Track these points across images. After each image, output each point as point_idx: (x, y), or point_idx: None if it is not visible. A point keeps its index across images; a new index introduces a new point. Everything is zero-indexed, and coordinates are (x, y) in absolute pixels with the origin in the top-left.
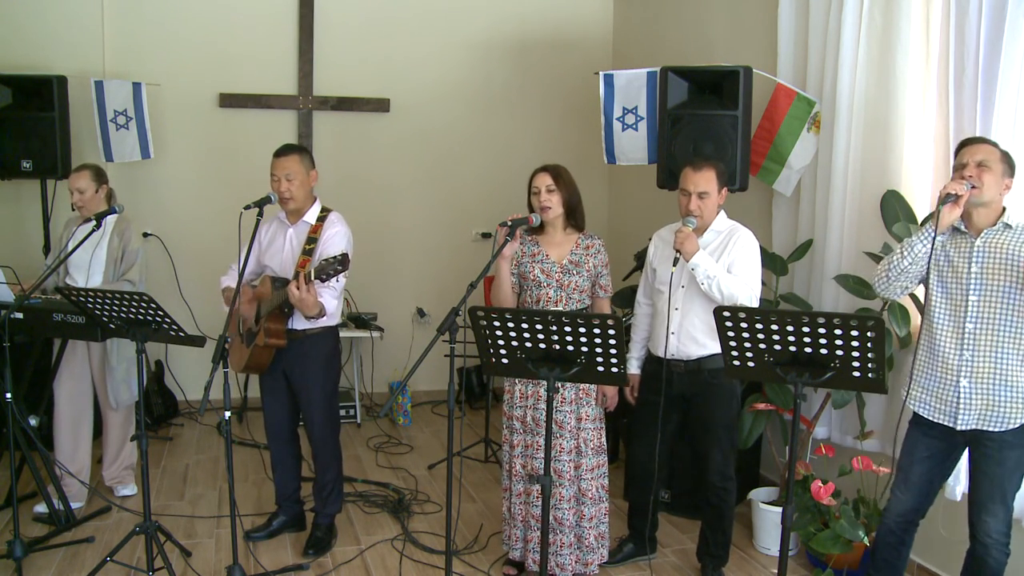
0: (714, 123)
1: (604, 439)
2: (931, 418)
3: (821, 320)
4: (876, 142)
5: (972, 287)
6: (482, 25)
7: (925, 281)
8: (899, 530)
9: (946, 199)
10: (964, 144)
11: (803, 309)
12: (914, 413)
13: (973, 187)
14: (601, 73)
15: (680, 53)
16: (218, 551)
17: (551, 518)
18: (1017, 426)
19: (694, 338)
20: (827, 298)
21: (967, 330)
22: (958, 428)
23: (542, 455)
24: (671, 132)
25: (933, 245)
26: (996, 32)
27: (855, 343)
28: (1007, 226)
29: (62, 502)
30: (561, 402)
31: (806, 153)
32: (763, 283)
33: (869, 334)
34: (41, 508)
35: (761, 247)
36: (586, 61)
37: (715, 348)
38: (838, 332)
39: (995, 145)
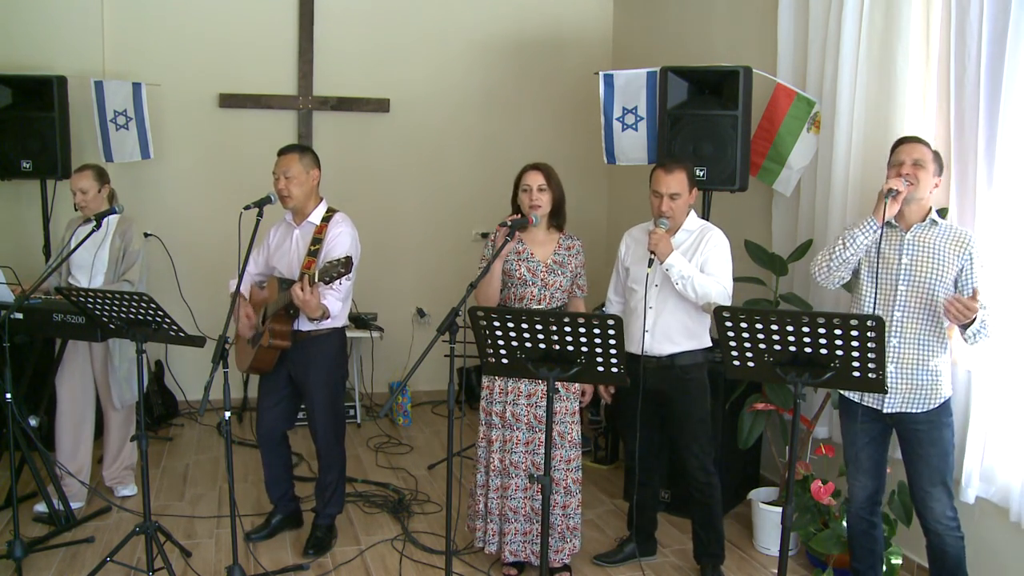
0: (714, 123)
1: (579, 434)
2: (860, 401)
3: (821, 320)
4: (876, 142)
5: (901, 278)
6: (482, 25)
7: (856, 274)
8: (867, 514)
9: (889, 193)
10: (900, 143)
11: (803, 309)
12: (842, 400)
13: (910, 184)
14: (601, 73)
15: (680, 53)
16: (218, 551)
17: (528, 508)
18: (938, 405)
19: (668, 336)
20: (827, 298)
21: (895, 318)
22: (885, 411)
23: (520, 450)
24: (671, 132)
25: (882, 236)
26: (998, 32)
27: (855, 343)
28: (934, 222)
29: (62, 502)
30: (541, 397)
31: (806, 153)
32: (763, 283)
33: (869, 334)
34: (41, 508)
35: (761, 247)
36: (586, 61)
37: (688, 345)
38: (838, 332)
39: (928, 145)
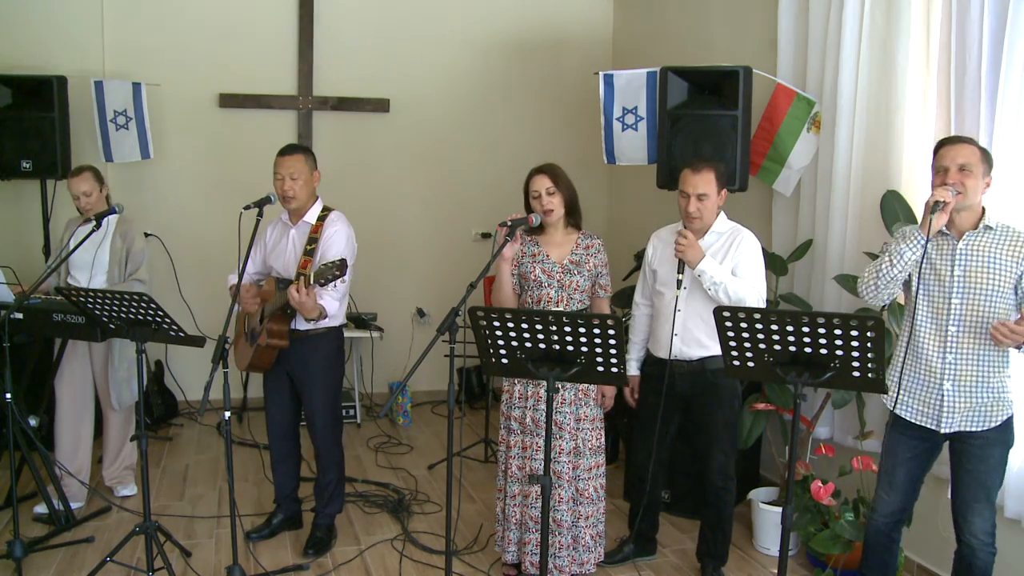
0: (714, 123)
1: (603, 439)
2: (915, 421)
3: (821, 320)
4: (876, 142)
5: (955, 291)
6: (482, 25)
7: (907, 285)
8: (888, 529)
9: (935, 207)
10: (943, 144)
11: (803, 309)
12: (893, 415)
13: (958, 192)
14: (601, 73)
15: (680, 53)
16: (218, 551)
17: (549, 519)
18: (998, 424)
19: (697, 339)
20: (827, 298)
21: (950, 333)
22: (942, 431)
23: (541, 456)
24: (671, 132)
25: (933, 245)
26: (998, 32)
27: (855, 343)
28: (988, 228)
29: (62, 502)
30: (561, 403)
31: (806, 153)
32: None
33: (869, 334)
34: (41, 508)
35: (761, 247)
36: (586, 61)
37: (717, 349)
38: (838, 332)
39: (974, 143)
